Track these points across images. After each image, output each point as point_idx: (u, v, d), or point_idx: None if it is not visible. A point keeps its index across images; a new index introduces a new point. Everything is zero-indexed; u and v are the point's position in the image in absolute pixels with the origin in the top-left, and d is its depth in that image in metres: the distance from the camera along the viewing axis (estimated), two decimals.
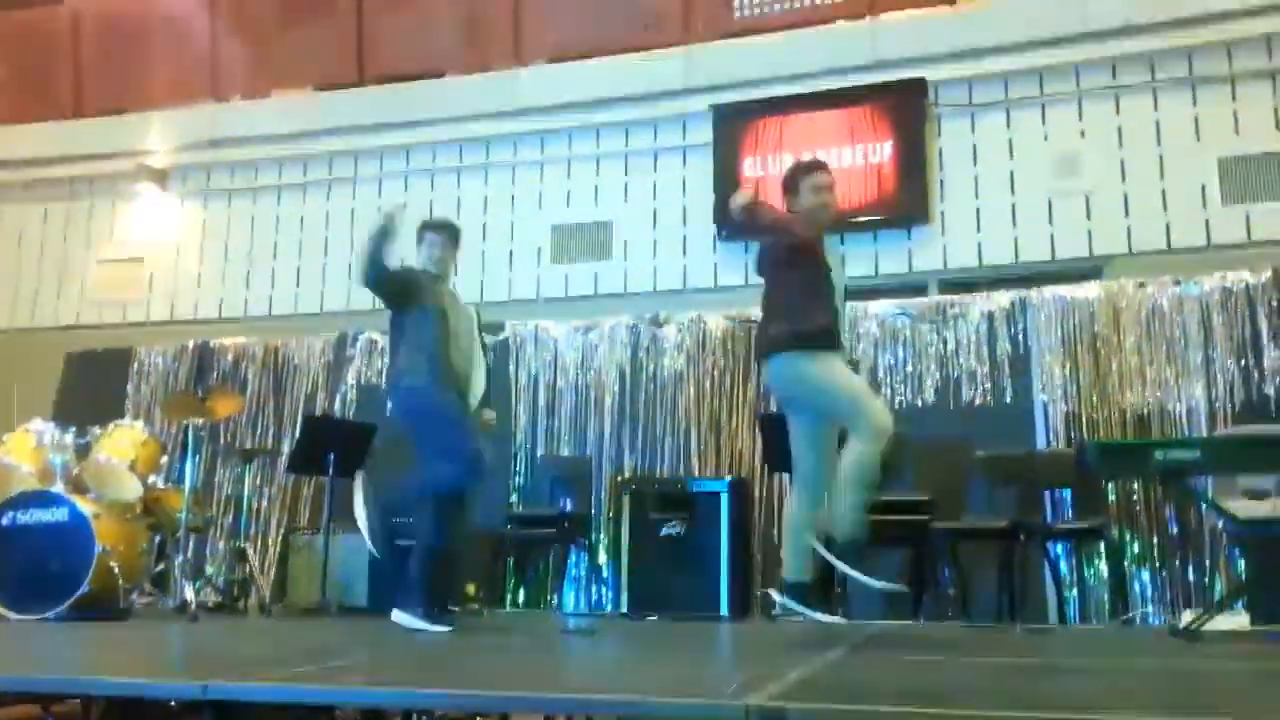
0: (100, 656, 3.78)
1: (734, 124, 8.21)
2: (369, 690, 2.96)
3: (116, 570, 5.25)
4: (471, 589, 6.63)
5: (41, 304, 9.71)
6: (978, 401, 6.72)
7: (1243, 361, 6.35)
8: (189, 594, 5.63)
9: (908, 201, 7.77)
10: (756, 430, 6.87)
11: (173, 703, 4.05)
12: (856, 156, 7.90)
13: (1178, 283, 6.59)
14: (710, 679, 3.11)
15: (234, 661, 3.60)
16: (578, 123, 8.64)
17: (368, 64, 9.29)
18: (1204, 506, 5.82)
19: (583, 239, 8.54)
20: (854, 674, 3.21)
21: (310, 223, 9.20)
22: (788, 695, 2.43)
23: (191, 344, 8.63)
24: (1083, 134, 7.61)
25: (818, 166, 4.40)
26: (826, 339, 4.07)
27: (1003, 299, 6.88)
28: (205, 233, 9.47)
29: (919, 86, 7.83)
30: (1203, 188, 7.26)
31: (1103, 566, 6.14)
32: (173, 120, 9.58)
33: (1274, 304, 6.38)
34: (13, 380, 8.33)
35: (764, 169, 8.10)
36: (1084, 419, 6.51)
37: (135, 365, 8.65)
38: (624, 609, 6.29)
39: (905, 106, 7.87)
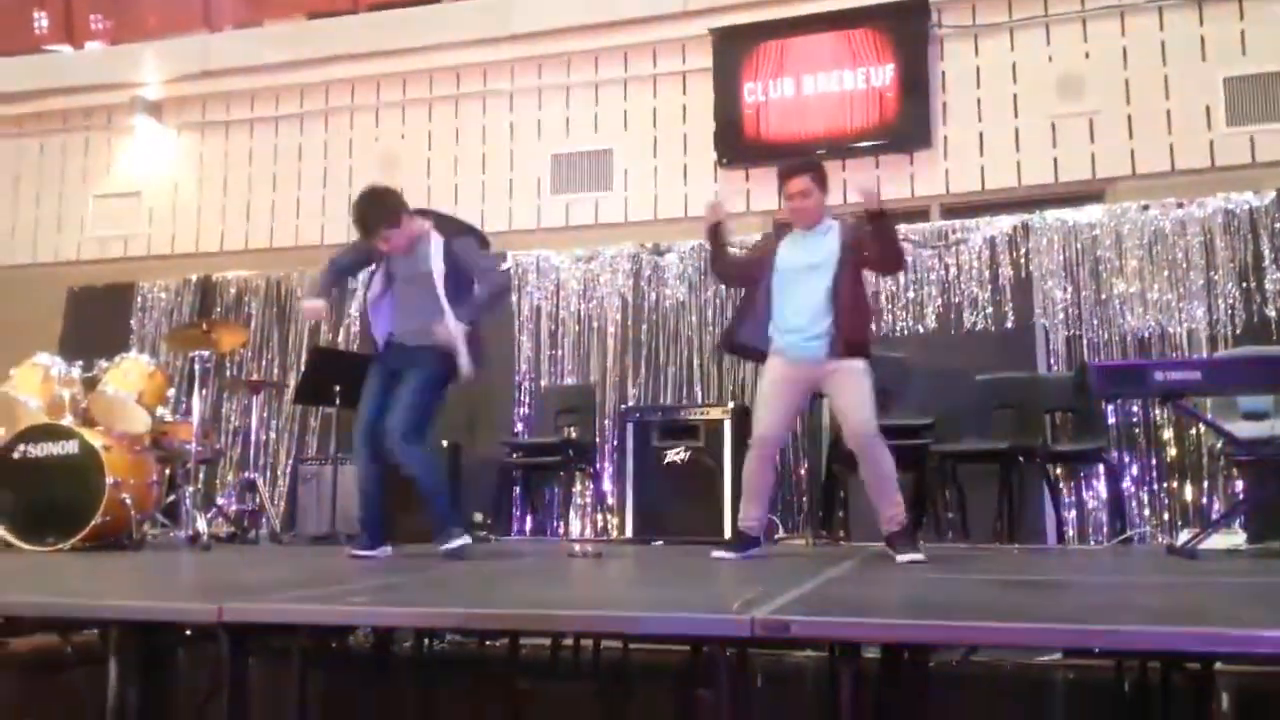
0: (115, 584, 3.84)
1: (734, 48, 8.10)
2: (382, 611, 3.02)
3: (128, 502, 5.30)
4: (478, 516, 6.72)
5: (41, 240, 9.69)
6: (979, 326, 6.75)
7: (1244, 284, 6.35)
8: (200, 524, 5.71)
9: (910, 125, 7.70)
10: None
11: (188, 630, 4.15)
12: (858, 80, 7.81)
13: (1181, 205, 6.57)
14: (716, 596, 3.17)
15: (248, 587, 3.66)
16: (576, 49, 8.54)
17: None
18: (1203, 427, 5.87)
19: (583, 168, 8.48)
20: (856, 589, 3.28)
21: (309, 153, 9.14)
22: (792, 609, 2.49)
23: (194, 277, 8.64)
24: (1087, 55, 7.51)
25: (786, 174, 4.56)
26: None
27: (1005, 223, 6.86)
28: (203, 165, 9.41)
29: (921, 7, 7.71)
30: (1207, 108, 7.19)
31: (1101, 487, 6.22)
32: (166, 51, 9.46)
33: (1277, 226, 6.37)
34: (16, 317, 8.37)
35: (765, 94, 8.02)
36: (1085, 342, 6.54)
37: (138, 300, 8.68)
38: (629, 534, 6.37)
39: (907, 28, 7.77)
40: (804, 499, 6.69)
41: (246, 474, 6.91)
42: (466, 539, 4.56)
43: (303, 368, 7.48)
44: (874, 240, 4.39)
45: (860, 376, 4.38)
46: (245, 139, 9.35)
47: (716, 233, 4.69)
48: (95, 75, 9.52)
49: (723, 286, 6.91)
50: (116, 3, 9.88)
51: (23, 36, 9.94)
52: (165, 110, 9.44)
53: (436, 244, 4.69)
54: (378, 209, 4.67)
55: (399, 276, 4.77)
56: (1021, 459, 5.72)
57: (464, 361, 4.59)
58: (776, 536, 6.44)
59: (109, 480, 5.21)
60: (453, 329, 4.55)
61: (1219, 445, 5.81)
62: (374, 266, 4.94)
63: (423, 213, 4.88)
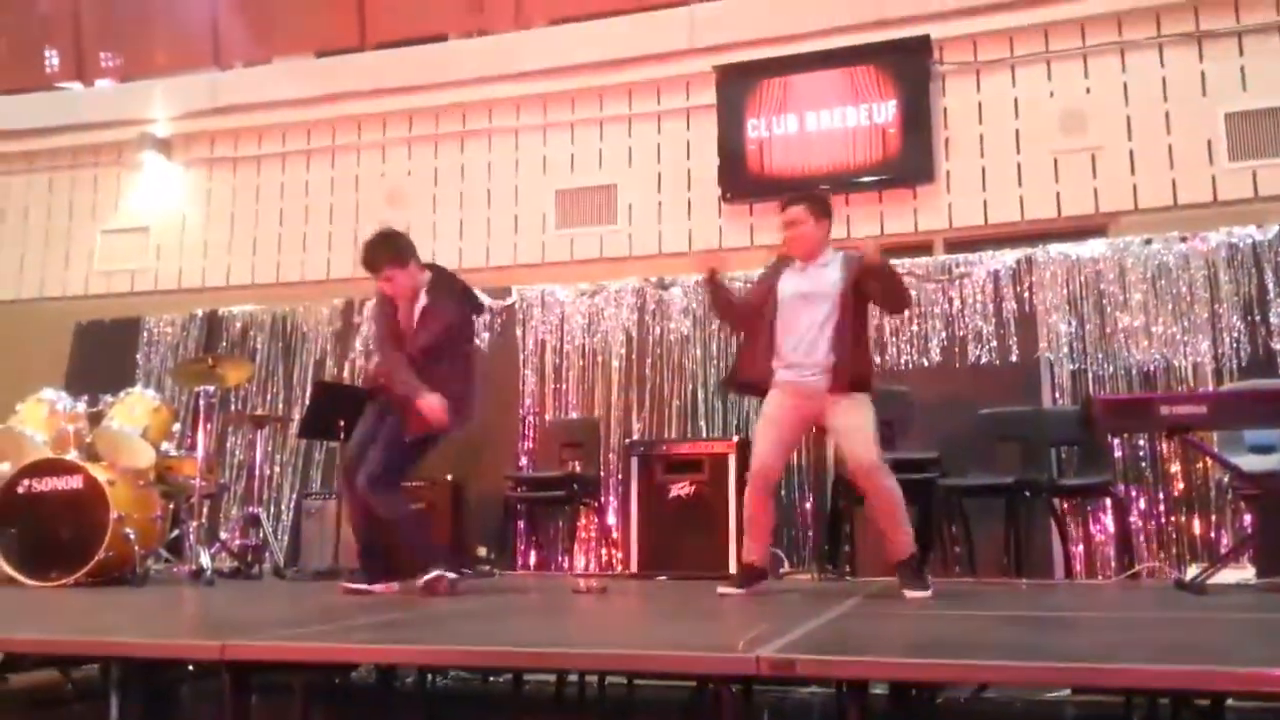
0: (118, 620, 3.83)
1: (738, 85, 8.17)
2: (385, 649, 3.01)
3: (132, 537, 5.29)
4: (482, 551, 6.70)
5: (49, 275, 9.74)
6: (984, 360, 6.73)
7: (1249, 317, 6.34)
8: (204, 559, 5.69)
9: (913, 161, 7.74)
10: None
11: (190, 666, 4.13)
12: (861, 116, 7.87)
13: (1184, 239, 6.57)
14: (721, 634, 3.15)
15: (250, 623, 3.65)
16: (580, 86, 8.61)
17: (369, 29, 9.24)
18: (1210, 461, 5.84)
19: (587, 203, 8.53)
20: (862, 627, 3.25)
21: (315, 189, 9.21)
22: (797, 647, 2.47)
23: (200, 312, 8.66)
24: (1088, 90, 7.57)
25: (781, 205, 4.61)
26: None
27: (1008, 257, 6.87)
28: (210, 201, 9.48)
29: (923, 44, 7.78)
30: (1209, 143, 7.23)
31: (1109, 522, 6.18)
32: (175, 88, 9.56)
33: None
34: (23, 350, 8.40)
35: (768, 130, 8.07)
36: (1090, 376, 6.52)
37: (144, 334, 8.69)
38: (634, 569, 6.34)
39: (909, 65, 7.83)
40: (809, 533, 6.66)
41: (250, 509, 6.90)
42: (438, 573, 4.54)
43: (307, 402, 7.48)
44: (875, 282, 4.40)
45: (861, 408, 4.34)
46: (253, 175, 9.42)
47: (714, 281, 4.67)
48: (105, 112, 9.62)
49: (728, 328, 6.88)
50: (126, 40, 10.00)
51: (34, 74, 10.06)
52: (174, 146, 9.52)
53: (420, 304, 4.74)
54: (384, 247, 4.73)
55: (403, 332, 4.80)
56: (1028, 493, 5.69)
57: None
58: (782, 571, 6.39)
59: (113, 515, 5.20)
60: (431, 403, 4.55)
61: (1226, 479, 5.78)
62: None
63: (430, 267, 4.90)
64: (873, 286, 4.42)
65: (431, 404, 4.52)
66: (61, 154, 9.82)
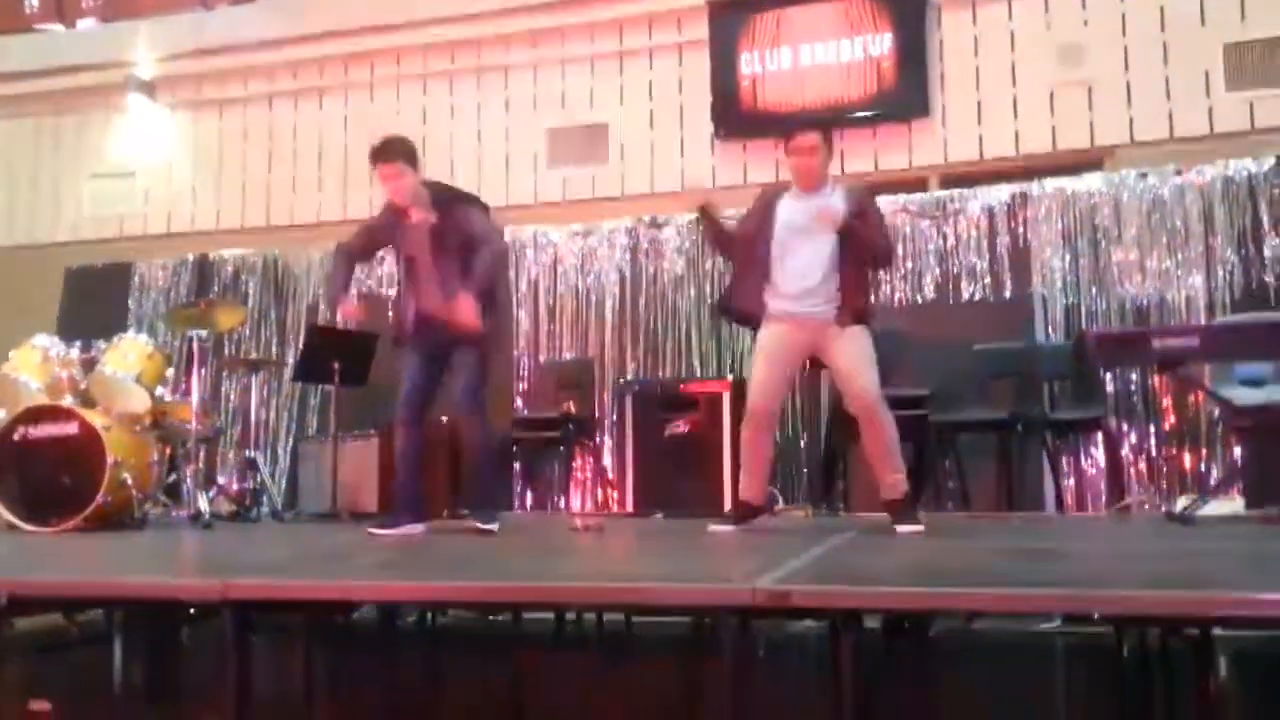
0: (119, 563, 3.86)
1: (730, 19, 8.05)
2: (386, 587, 3.04)
3: (129, 482, 5.30)
4: None
5: (38, 221, 9.65)
6: (977, 296, 6.74)
7: (1243, 250, 6.34)
8: (202, 503, 5.71)
9: (907, 95, 7.66)
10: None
11: (192, 608, 4.17)
12: (856, 49, 7.77)
13: (1179, 172, 6.54)
14: (717, 567, 3.19)
15: (251, 564, 3.68)
16: (570, 21, 8.48)
17: None
18: (1201, 395, 5.87)
19: (579, 142, 8.44)
20: (856, 559, 3.30)
21: (303, 131, 9.10)
22: (793, 578, 2.50)
23: (191, 257, 8.61)
24: (1085, 22, 7.47)
25: (795, 130, 4.49)
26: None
27: (1003, 193, 6.84)
28: (198, 144, 9.37)
29: None
30: (1206, 75, 7.15)
31: (1100, 455, 6.23)
32: (159, 28, 9.39)
33: (1276, 192, 6.35)
34: (14, 297, 8.37)
35: (762, 64, 7.98)
36: (1083, 311, 6.53)
37: (136, 279, 8.66)
38: (629, 508, 6.39)
39: None
40: (804, 470, 6.70)
41: (247, 453, 6.92)
42: (495, 526, 4.65)
43: (301, 346, 7.47)
44: (854, 239, 4.34)
45: (862, 338, 4.31)
46: (239, 117, 9.30)
47: (708, 214, 4.60)
48: (88, 54, 9.46)
49: (721, 259, 6.84)
50: None
51: (13, 16, 9.88)
52: (159, 89, 9.38)
53: (429, 219, 4.75)
54: (400, 142, 4.82)
55: (411, 256, 4.80)
56: (1020, 428, 5.73)
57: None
58: (776, 508, 6.44)
59: (110, 460, 5.21)
60: (465, 306, 4.58)
61: (1217, 412, 5.82)
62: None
63: (429, 184, 4.92)
64: (856, 233, 4.33)
65: (467, 308, 4.56)
66: (45, 98, 9.66)
